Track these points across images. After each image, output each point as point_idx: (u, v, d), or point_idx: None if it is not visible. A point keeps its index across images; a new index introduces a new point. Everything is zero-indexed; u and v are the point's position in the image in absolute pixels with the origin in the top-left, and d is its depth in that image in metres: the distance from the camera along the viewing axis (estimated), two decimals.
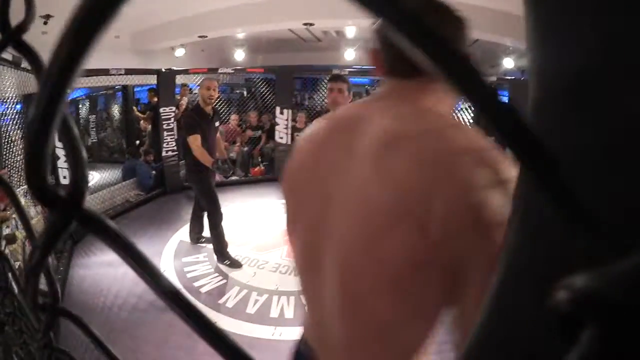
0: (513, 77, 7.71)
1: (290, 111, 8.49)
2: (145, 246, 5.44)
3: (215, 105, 5.47)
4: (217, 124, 5.27)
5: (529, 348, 0.39)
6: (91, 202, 6.34)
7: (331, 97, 4.14)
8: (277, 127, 8.50)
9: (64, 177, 5.69)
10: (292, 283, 4.81)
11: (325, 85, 9.39)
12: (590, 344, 0.19)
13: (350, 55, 9.61)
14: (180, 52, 9.04)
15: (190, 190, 6.71)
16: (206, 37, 8.47)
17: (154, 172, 7.62)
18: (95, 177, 7.54)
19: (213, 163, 4.85)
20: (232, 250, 5.22)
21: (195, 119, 4.97)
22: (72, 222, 0.23)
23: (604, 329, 0.19)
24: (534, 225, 0.38)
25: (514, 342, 0.41)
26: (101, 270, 4.70)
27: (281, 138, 8.50)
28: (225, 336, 0.24)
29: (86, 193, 0.23)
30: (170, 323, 3.81)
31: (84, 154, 0.23)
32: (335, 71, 8.67)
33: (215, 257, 5.17)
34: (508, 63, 8.66)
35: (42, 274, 0.30)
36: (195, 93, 8.72)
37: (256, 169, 8.78)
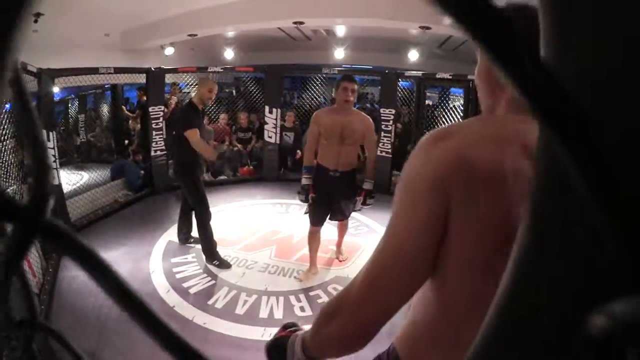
0: None
1: (279, 110, 8.46)
2: (134, 247, 5.41)
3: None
4: (205, 121, 5.34)
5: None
6: (80, 202, 6.28)
7: (345, 95, 4.29)
8: (265, 127, 8.46)
9: (53, 177, 5.59)
10: (281, 283, 4.80)
11: (314, 84, 9.39)
12: None
13: (339, 54, 9.62)
14: (169, 50, 9.00)
15: (179, 189, 6.70)
16: (196, 35, 8.45)
17: (142, 171, 7.57)
18: (84, 177, 7.47)
19: (217, 156, 4.90)
20: (221, 251, 5.20)
21: (192, 114, 4.94)
22: (34, 237, 0.21)
23: None
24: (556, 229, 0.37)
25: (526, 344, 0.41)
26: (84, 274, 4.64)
27: (270, 137, 8.46)
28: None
29: (49, 202, 0.20)
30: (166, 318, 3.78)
31: (49, 159, 0.21)
32: (325, 70, 8.68)
33: (204, 257, 5.14)
34: None
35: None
36: (185, 92, 8.69)
37: (245, 169, 8.74)
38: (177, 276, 4.83)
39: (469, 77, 7.36)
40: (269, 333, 3.94)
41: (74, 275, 4.58)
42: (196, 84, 8.34)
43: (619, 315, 0.22)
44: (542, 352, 0.38)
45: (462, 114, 7.74)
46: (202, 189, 5.06)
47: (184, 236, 5.51)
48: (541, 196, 0.39)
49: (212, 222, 5.09)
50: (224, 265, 5.06)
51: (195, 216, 5.12)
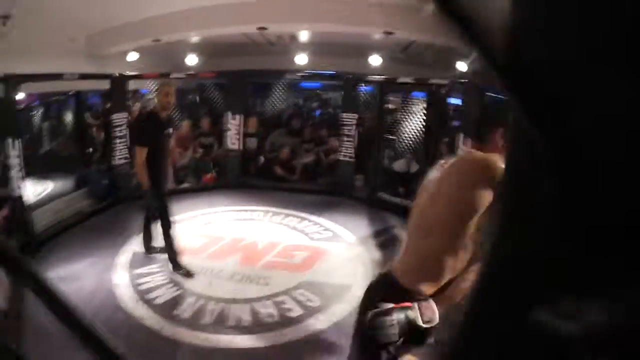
0: (466, 81, 7.89)
1: (242, 116, 8.46)
2: (99, 258, 5.36)
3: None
4: (170, 130, 5.22)
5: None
6: (45, 213, 6.17)
7: None
8: (228, 133, 8.44)
9: (17, 188, 5.45)
10: (248, 291, 4.83)
11: (277, 90, 9.42)
12: None
13: (302, 59, 9.66)
14: (133, 56, 8.91)
15: (142, 198, 6.68)
16: (160, 41, 8.39)
17: (106, 180, 7.46)
18: (49, 187, 7.33)
19: (147, 189, 4.86)
20: (186, 260, 5.21)
21: (148, 128, 4.91)
22: None
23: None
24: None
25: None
26: (56, 286, 4.56)
27: (233, 143, 8.46)
28: None
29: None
30: (128, 335, 3.78)
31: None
32: (288, 76, 8.72)
33: (170, 266, 5.14)
34: (462, 67, 8.86)
35: None
36: (148, 99, 8.61)
37: (208, 176, 8.70)
38: (143, 287, 4.82)
39: (432, 81, 7.48)
40: (237, 341, 3.98)
41: None
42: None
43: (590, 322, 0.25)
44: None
45: (424, 118, 7.85)
46: (165, 198, 5.07)
47: (148, 245, 5.49)
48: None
49: (176, 231, 5.09)
50: (189, 274, 5.06)
51: (161, 225, 5.11)
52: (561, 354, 0.27)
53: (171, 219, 5.08)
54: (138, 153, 4.79)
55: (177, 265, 5.10)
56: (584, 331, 0.26)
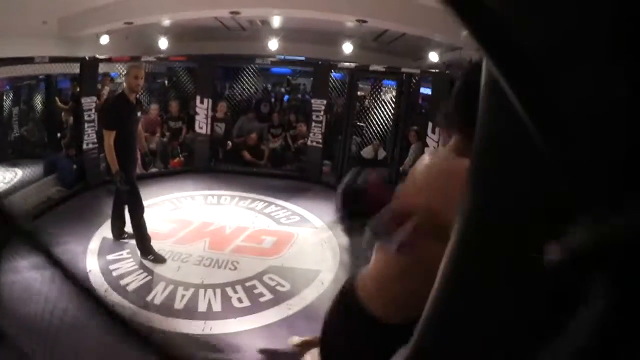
0: (437, 71, 8.01)
1: (210, 101, 8.43)
2: (69, 245, 5.30)
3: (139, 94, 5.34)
4: (139, 114, 5.17)
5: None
6: (13, 201, 6.04)
7: None
8: (197, 117, 8.41)
9: None
10: (217, 275, 4.88)
11: (247, 75, 9.39)
12: (605, 289, 0.24)
13: (273, 45, 9.65)
14: (105, 39, 8.77)
15: (111, 184, 6.61)
16: (132, 23, 8.29)
17: (75, 166, 7.36)
18: (18, 174, 7.18)
19: (116, 173, 4.78)
20: (155, 245, 5.23)
21: (117, 111, 4.86)
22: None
23: (618, 274, 0.24)
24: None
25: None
26: (30, 274, 4.49)
27: (201, 128, 8.42)
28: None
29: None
30: (102, 321, 3.79)
31: None
32: (258, 61, 8.71)
33: (138, 252, 5.15)
34: (433, 57, 8.98)
35: None
36: (118, 82, 8.51)
37: (176, 160, 8.66)
38: (114, 274, 4.82)
39: (403, 69, 7.57)
40: (209, 327, 4.04)
41: (13, 280, 4.47)
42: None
43: (575, 244, 0.25)
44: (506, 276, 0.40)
45: (393, 106, 7.96)
46: (135, 182, 5.05)
47: (118, 231, 5.48)
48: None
49: (144, 216, 5.09)
50: (159, 259, 5.09)
51: (129, 211, 5.12)
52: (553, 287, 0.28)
53: (143, 203, 5.09)
54: (106, 136, 4.73)
55: (147, 251, 5.11)
56: (572, 254, 0.26)
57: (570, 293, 0.27)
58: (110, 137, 4.70)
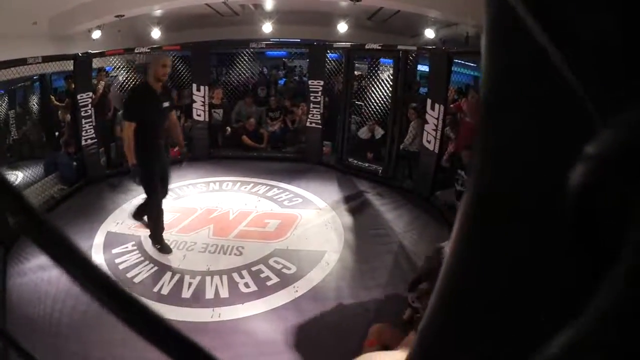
0: (434, 47, 7.95)
1: (206, 87, 8.36)
2: (76, 242, 5.30)
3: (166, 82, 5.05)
4: (166, 104, 4.84)
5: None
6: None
7: None
8: (194, 105, 8.36)
9: None
10: (223, 261, 4.91)
11: (242, 60, 9.33)
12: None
13: (267, 28, 9.61)
14: (96, 34, 8.75)
15: (113, 178, 6.61)
16: (123, 16, 8.25)
17: (75, 163, 7.34)
18: (18, 177, 7.14)
19: (132, 166, 4.62)
20: None
21: (138, 102, 4.65)
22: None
23: None
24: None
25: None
26: (37, 275, 4.52)
27: (199, 115, 8.38)
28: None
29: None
30: (113, 320, 3.81)
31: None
32: (252, 45, 8.65)
33: (150, 242, 5.17)
34: (429, 34, 8.90)
35: None
36: (112, 76, 8.49)
37: (175, 149, 8.64)
38: (120, 267, 4.86)
39: (399, 47, 7.52)
40: (218, 314, 4.07)
41: (21, 282, 4.48)
42: (123, 67, 8.19)
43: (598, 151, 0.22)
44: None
45: (391, 84, 7.92)
46: (154, 173, 4.81)
47: (138, 215, 5.45)
48: None
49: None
50: (166, 249, 5.10)
51: (146, 199, 5.06)
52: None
53: (159, 195, 4.98)
54: (126, 128, 4.54)
55: (156, 240, 5.11)
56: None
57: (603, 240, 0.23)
58: (129, 128, 4.50)
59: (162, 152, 4.89)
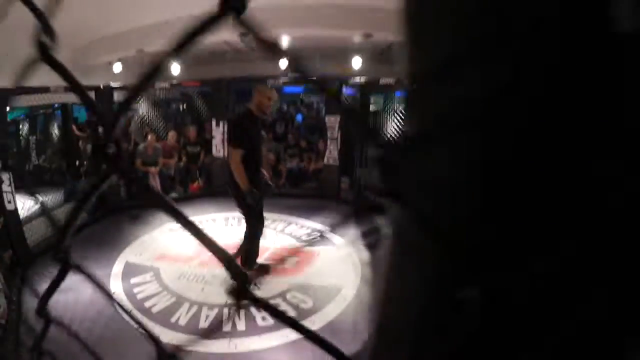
0: None
1: (225, 124, 8.41)
2: (93, 270, 5.32)
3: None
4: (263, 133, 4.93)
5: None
6: (36, 228, 6.10)
7: None
8: (213, 141, 8.46)
9: (9, 202, 5.43)
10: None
11: None
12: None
13: (284, 64, 9.73)
14: (117, 67, 8.93)
15: (132, 209, 6.67)
16: (144, 51, 8.43)
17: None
18: (38, 202, 7.24)
19: (248, 191, 4.57)
20: (178, 268, 5.32)
21: (245, 129, 4.65)
22: None
23: None
24: None
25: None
26: (54, 299, 4.51)
27: (218, 151, 8.47)
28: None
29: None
30: (133, 337, 3.81)
31: None
32: (270, 81, 8.77)
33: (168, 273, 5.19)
34: None
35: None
36: (132, 109, 8.63)
37: (194, 185, 8.69)
38: (138, 296, 4.88)
39: None
40: (234, 345, 4.06)
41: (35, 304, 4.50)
42: (143, 101, 8.33)
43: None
44: None
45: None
46: (254, 212, 4.87)
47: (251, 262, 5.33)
48: None
49: (169, 239, 5.05)
50: (266, 269, 5.39)
51: (250, 224, 5.04)
52: None
53: (259, 232, 5.07)
54: (234, 155, 4.56)
55: (248, 263, 5.05)
56: None
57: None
58: (237, 155, 4.53)
59: (262, 181, 4.95)
